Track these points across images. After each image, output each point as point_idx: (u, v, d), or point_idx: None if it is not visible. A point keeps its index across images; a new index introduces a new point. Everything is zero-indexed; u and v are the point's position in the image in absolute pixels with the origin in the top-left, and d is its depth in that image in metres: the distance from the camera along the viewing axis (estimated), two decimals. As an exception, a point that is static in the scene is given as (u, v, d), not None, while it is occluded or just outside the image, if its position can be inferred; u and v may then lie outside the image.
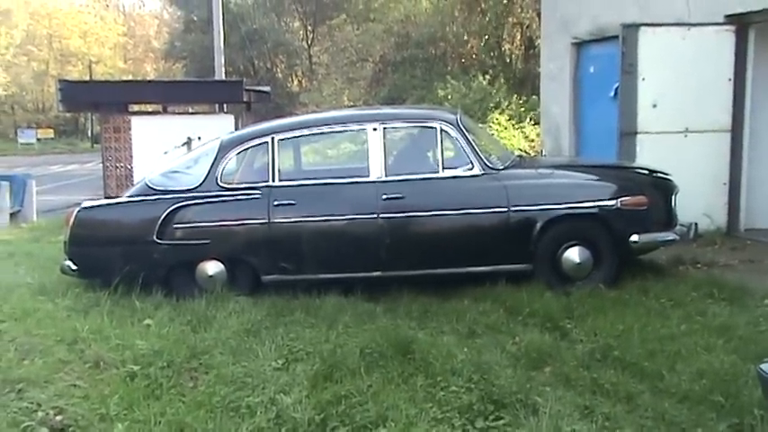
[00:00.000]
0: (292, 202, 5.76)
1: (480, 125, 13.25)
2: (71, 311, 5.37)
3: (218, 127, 9.76)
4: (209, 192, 5.85)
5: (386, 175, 5.79)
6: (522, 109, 17.99)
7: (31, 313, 5.27)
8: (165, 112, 12.36)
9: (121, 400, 3.75)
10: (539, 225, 5.66)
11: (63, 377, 4.11)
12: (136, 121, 11.54)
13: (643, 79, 7.58)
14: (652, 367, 3.98)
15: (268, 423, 3.50)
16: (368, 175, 5.83)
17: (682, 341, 4.36)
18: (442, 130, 5.86)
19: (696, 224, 6.18)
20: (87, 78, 41.69)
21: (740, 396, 3.51)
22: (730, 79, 7.66)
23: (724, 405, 3.48)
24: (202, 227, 5.79)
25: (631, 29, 7.58)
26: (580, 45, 10.13)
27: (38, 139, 46.80)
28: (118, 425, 3.53)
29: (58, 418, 3.63)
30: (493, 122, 16.86)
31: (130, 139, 11.47)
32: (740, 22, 7.60)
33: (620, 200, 5.71)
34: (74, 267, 5.97)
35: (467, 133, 5.89)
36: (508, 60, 23.76)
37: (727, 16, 7.64)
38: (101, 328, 4.88)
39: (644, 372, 3.95)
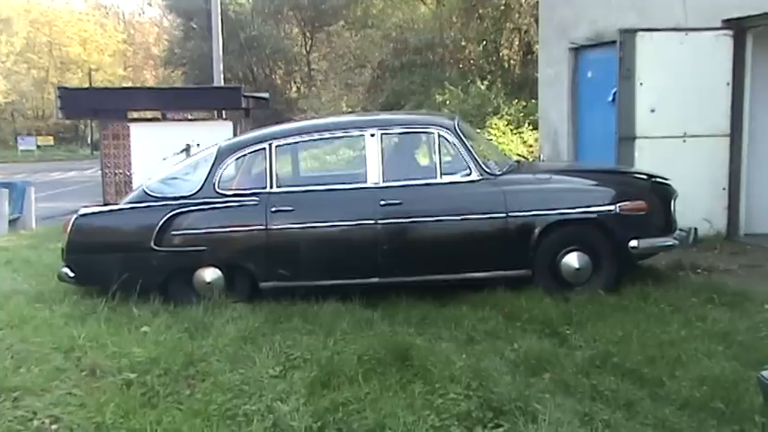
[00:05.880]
0: (290, 208, 5.74)
1: (478, 130, 13.25)
2: (68, 319, 5.35)
3: (216, 133, 9.71)
4: (207, 198, 5.83)
5: (384, 181, 5.77)
6: (521, 114, 17.98)
7: (27, 321, 5.25)
8: (164, 118, 12.32)
9: (118, 409, 3.71)
10: (537, 230, 5.64)
11: (59, 385, 4.09)
12: (135, 128, 11.50)
13: (641, 84, 7.57)
14: (652, 374, 3.96)
15: (265, 431, 3.48)
16: (366, 182, 5.81)
17: (682, 347, 4.33)
18: (439, 135, 5.85)
19: (696, 229, 6.15)
20: (87, 85, 41.69)
21: (741, 403, 3.49)
22: (728, 84, 7.66)
23: (725, 412, 3.46)
24: (200, 233, 5.77)
25: (629, 34, 7.58)
26: (578, 50, 10.12)
27: (38, 146, 46.84)
28: (113, 433, 3.51)
29: (54, 426, 3.62)
30: (491, 128, 16.86)
31: (129, 145, 11.43)
32: (738, 27, 7.60)
33: (619, 205, 5.70)
34: (71, 274, 5.94)
35: (464, 139, 5.88)
36: (506, 66, 23.79)
37: (725, 21, 7.64)
38: (97, 335, 4.86)
39: (644, 378, 3.93)
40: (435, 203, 5.74)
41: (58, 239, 6.94)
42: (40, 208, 13.08)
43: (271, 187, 5.83)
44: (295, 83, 41.64)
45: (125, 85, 50.02)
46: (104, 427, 3.58)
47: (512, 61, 24.00)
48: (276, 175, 5.87)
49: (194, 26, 37.67)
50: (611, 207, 5.70)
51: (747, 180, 7.80)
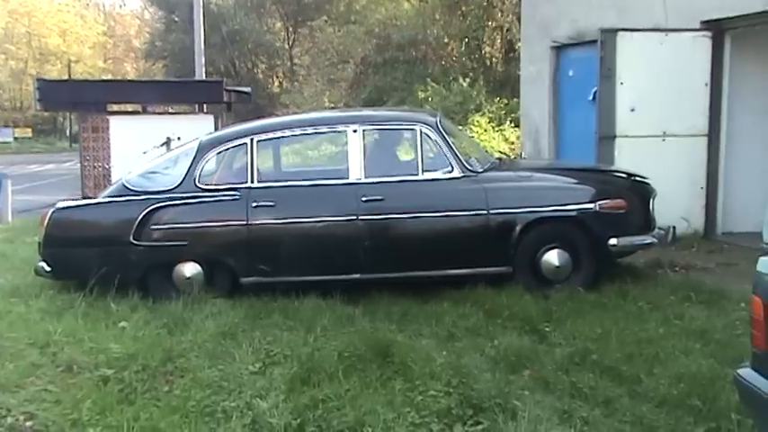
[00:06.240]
0: (271, 203, 5.72)
1: (460, 128, 13.27)
2: (44, 314, 5.29)
3: (197, 127, 9.65)
4: (188, 193, 5.79)
5: (365, 177, 5.76)
6: (503, 112, 18.05)
7: (2, 316, 5.20)
8: (144, 111, 12.21)
9: (94, 405, 3.68)
10: (518, 228, 5.66)
11: (34, 381, 4.04)
12: (114, 121, 11.39)
13: (621, 83, 7.62)
14: (630, 371, 3.99)
15: (244, 428, 3.46)
16: (347, 177, 5.79)
17: (660, 345, 4.37)
18: (421, 132, 5.85)
19: (674, 227, 6.22)
20: (66, 77, 41.16)
21: (718, 400, 3.52)
22: (707, 84, 7.74)
23: (701, 409, 3.49)
24: (180, 228, 5.73)
25: (610, 33, 7.63)
26: (559, 49, 10.17)
27: (15, 138, 46.30)
28: (90, 430, 3.47)
29: (29, 423, 3.57)
30: (473, 125, 16.90)
31: (109, 138, 11.33)
32: (716, 28, 7.68)
33: (599, 203, 5.73)
34: (48, 269, 5.87)
35: (446, 136, 5.88)
36: (488, 63, 23.83)
37: (704, 22, 7.71)
38: (74, 330, 4.80)
39: (622, 375, 3.95)
40: (417, 200, 5.74)
41: (34, 233, 6.84)
42: (17, 201, 12.89)
43: (252, 182, 5.80)
44: (277, 77, 41.49)
45: (105, 77, 49.51)
46: (80, 424, 3.54)
47: (494, 59, 24.05)
48: (257, 170, 5.84)
49: (176, 19, 37.43)
50: (591, 205, 5.73)
51: (725, 179, 7.89)
